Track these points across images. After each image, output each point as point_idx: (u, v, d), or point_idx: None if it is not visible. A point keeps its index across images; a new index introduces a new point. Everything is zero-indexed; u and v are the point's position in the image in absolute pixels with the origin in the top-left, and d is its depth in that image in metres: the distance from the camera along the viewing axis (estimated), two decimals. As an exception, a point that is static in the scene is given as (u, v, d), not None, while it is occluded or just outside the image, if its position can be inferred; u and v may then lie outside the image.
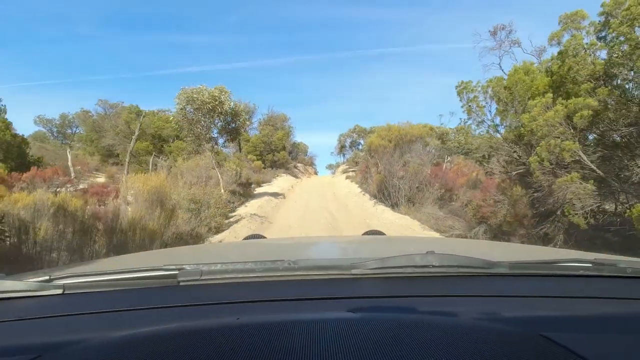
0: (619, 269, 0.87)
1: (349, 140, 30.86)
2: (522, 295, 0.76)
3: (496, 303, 0.72)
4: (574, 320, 0.66)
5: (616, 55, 3.92)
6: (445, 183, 10.31)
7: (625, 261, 0.93)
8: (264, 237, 1.91)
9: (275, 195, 13.79)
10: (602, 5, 4.59)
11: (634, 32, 3.74)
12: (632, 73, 3.91)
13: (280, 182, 19.63)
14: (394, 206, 10.05)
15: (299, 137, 36.99)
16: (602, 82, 4.19)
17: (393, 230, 7.49)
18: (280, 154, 25.03)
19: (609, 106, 4.13)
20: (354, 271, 0.80)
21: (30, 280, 0.79)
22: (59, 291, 0.77)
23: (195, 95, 9.06)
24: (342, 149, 31.77)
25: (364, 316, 0.62)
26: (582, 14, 5.03)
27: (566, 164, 4.45)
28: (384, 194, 10.80)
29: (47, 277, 0.79)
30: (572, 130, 4.28)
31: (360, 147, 29.27)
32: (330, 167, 35.37)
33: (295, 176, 26.40)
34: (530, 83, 5.90)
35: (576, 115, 4.09)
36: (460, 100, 7.41)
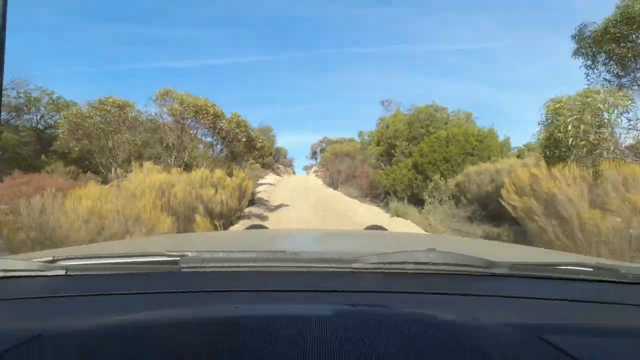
0: (620, 275, 0.85)
1: (319, 148, 39.94)
2: (522, 297, 0.75)
3: (496, 303, 0.72)
4: (574, 324, 0.66)
5: None
6: (362, 176, 19.44)
7: (627, 267, 0.92)
8: (266, 228, 2.01)
9: (269, 185, 22.48)
10: None
11: None
12: None
13: (269, 179, 28.21)
14: (334, 186, 19.05)
15: (279, 142, 45.87)
16: None
17: (321, 189, 16.33)
18: (268, 159, 33.65)
19: None
20: (354, 265, 0.80)
21: (34, 260, 0.79)
22: (62, 272, 0.77)
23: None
24: (313, 154, 40.87)
25: (363, 310, 0.62)
26: None
27: None
28: (331, 182, 19.78)
29: (50, 258, 0.79)
30: None
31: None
32: (305, 168, 44.22)
33: (279, 175, 34.87)
34: None
35: None
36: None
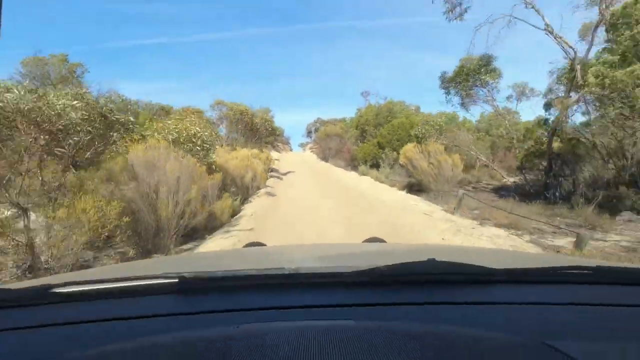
0: (621, 276, 0.87)
1: (313, 128, 45.78)
2: (524, 303, 0.75)
3: (498, 311, 0.73)
4: (577, 328, 0.66)
5: None
6: (346, 151, 25.52)
7: (628, 268, 0.93)
8: (264, 245, 1.96)
9: (275, 160, 28.50)
10: None
11: None
12: None
13: (273, 155, 34.19)
14: (326, 160, 25.16)
15: (276, 121, 51.91)
16: None
17: (315, 162, 22.46)
18: (270, 138, 39.52)
19: None
20: (353, 279, 0.80)
21: (30, 288, 0.79)
22: (58, 299, 0.77)
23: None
24: (309, 133, 46.71)
25: (364, 324, 0.62)
26: None
27: None
28: (324, 156, 25.88)
29: (45, 285, 0.78)
30: None
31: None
32: (301, 145, 50.16)
33: (278, 151, 40.78)
34: None
35: None
36: None
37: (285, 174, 18.04)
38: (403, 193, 10.86)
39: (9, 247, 3.61)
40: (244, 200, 8.89)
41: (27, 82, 5.35)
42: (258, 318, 0.69)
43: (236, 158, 9.62)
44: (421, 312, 0.72)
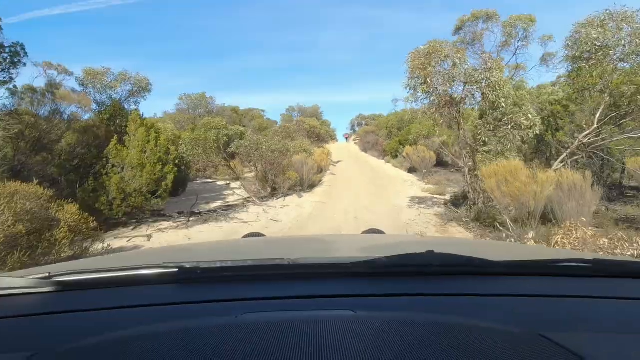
0: (618, 269, 0.88)
1: (356, 122, 55.32)
2: (522, 295, 0.76)
3: (495, 302, 0.73)
4: (574, 320, 0.67)
5: None
6: (379, 145, 34.70)
7: (625, 261, 0.96)
8: (264, 235, 1.97)
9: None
10: None
11: None
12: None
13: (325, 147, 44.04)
14: (365, 151, 34.56)
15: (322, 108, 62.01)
16: None
17: (357, 152, 32.00)
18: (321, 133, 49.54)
19: None
20: (353, 270, 0.82)
21: (29, 277, 0.79)
22: (58, 288, 0.77)
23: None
24: (352, 127, 56.39)
25: (363, 315, 0.62)
26: None
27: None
28: (364, 148, 35.32)
29: (46, 274, 0.78)
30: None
31: (362, 126, 53.37)
32: (344, 135, 59.73)
33: (327, 143, 50.59)
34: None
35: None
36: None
37: (337, 162, 27.65)
38: (403, 171, 20.10)
39: (266, 187, 13.74)
40: (322, 176, 18.85)
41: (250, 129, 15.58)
42: (257, 308, 0.69)
43: (315, 154, 19.48)
44: (420, 303, 0.73)
